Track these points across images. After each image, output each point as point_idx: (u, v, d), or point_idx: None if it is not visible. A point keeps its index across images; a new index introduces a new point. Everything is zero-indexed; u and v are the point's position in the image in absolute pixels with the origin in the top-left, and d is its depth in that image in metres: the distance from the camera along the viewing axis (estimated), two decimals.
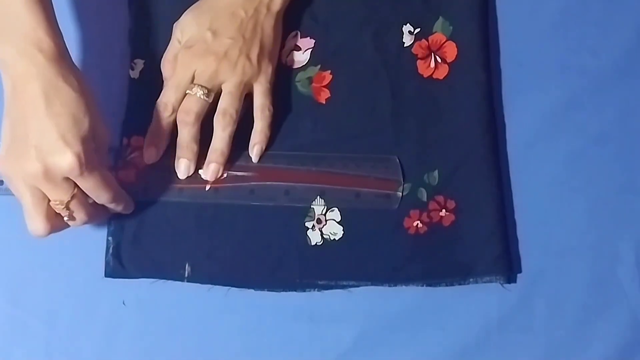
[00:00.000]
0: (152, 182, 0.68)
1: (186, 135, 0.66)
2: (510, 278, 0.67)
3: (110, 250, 0.67)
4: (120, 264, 0.67)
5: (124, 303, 0.67)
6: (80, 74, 0.60)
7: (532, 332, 0.67)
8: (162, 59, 0.69)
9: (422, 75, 0.70)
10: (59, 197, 0.59)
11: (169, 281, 0.67)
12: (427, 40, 0.71)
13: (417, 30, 0.71)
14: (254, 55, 0.67)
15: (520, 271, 0.68)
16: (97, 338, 0.66)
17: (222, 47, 0.66)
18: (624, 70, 0.72)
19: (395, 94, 0.70)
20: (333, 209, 0.68)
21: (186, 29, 0.68)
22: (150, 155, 0.67)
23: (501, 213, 0.68)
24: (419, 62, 0.71)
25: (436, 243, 0.67)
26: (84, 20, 0.71)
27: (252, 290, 0.67)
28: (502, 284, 0.67)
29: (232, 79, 0.67)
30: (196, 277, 0.66)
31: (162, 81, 0.69)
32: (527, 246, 0.69)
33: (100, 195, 0.61)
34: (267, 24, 0.68)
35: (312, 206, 0.68)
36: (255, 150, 0.68)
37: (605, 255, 0.69)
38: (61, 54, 0.59)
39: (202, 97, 0.66)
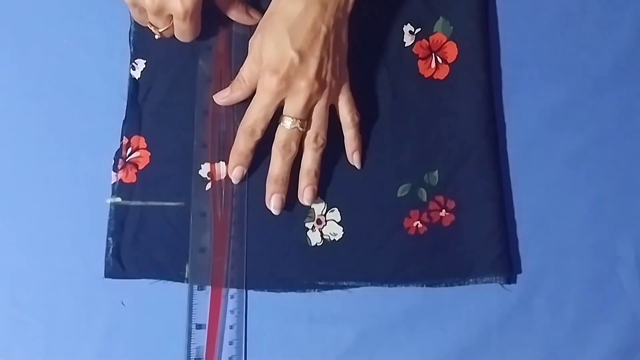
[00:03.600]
0: (152, 183, 0.68)
1: (283, 166, 0.66)
2: (510, 278, 0.68)
3: (110, 251, 0.67)
4: (120, 265, 0.67)
5: (123, 303, 0.67)
6: None
7: (532, 332, 0.67)
8: (238, 75, 0.67)
9: (422, 76, 0.70)
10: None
11: (169, 281, 0.67)
12: (428, 40, 0.71)
13: (418, 30, 0.71)
14: (337, 69, 0.66)
15: (520, 271, 0.68)
16: (97, 338, 0.66)
17: (311, 69, 0.64)
18: (624, 70, 0.72)
19: (396, 93, 0.70)
20: (333, 209, 0.68)
21: (265, 49, 0.65)
22: (238, 174, 0.67)
23: (501, 213, 0.68)
24: (419, 62, 0.71)
25: (436, 243, 0.67)
26: (84, 20, 0.71)
27: (252, 290, 0.67)
28: (502, 284, 0.67)
29: (322, 101, 0.66)
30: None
31: (163, 82, 0.69)
32: (527, 246, 0.69)
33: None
34: (344, 32, 0.66)
35: (312, 206, 0.68)
36: (355, 157, 0.68)
37: (605, 255, 0.69)
38: None
39: (299, 128, 0.65)
